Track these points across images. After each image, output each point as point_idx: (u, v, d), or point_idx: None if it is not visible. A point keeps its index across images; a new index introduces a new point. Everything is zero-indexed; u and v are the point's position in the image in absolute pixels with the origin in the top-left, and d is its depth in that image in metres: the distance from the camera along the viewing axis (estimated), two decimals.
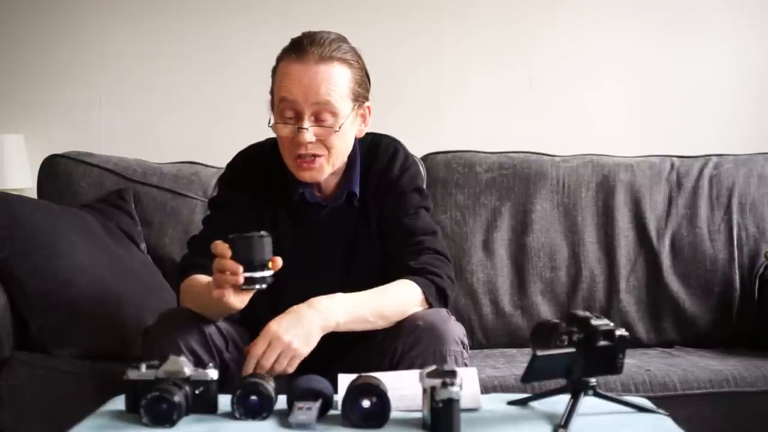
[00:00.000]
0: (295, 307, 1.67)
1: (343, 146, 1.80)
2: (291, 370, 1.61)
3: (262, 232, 1.55)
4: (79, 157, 2.60)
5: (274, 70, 1.80)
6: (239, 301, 1.60)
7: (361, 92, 1.80)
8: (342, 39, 1.79)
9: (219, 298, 1.56)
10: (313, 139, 1.75)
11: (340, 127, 1.75)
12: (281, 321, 1.64)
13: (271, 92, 1.81)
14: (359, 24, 3.03)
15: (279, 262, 1.56)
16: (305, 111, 1.73)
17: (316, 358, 1.65)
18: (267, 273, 1.55)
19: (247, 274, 1.54)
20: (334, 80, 1.74)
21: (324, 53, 1.73)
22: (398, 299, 1.74)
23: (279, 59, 1.80)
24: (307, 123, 1.74)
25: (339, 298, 1.69)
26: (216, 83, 3.18)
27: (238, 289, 1.56)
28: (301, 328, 1.63)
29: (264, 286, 1.56)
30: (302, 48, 1.74)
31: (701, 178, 2.62)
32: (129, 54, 3.19)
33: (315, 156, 1.76)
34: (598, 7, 3.18)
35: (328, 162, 1.79)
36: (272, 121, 1.78)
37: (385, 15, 3.16)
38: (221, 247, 1.55)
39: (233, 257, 1.54)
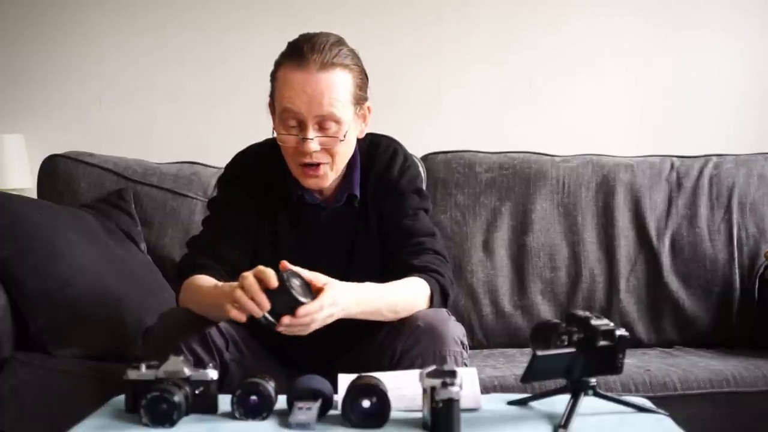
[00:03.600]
0: (344, 285, 1.62)
1: (346, 151, 1.80)
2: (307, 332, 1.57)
3: (304, 300, 1.52)
4: (79, 157, 2.60)
5: (274, 75, 1.78)
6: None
7: (362, 95, 1.79)
8: (341, 42, 1.77)
9: (234, 318, 1.53)
10: (318, 148, 1.74)
11: (344, 136, 1.75)
12: (347, 293, 1.60)
13: (271, 96, 1.79)
14: (359, 23, 3.04)
15: (286, 322, 1.53)
16: (309, 121, 1.72)
17: (317, 357, 1.65)
18: (274, 322, 1.53)
19: (266, 315, 1.52)
20: (337, 88, 1.72)
21: (325, 60, 1.71)
22: (409, 295, 1.73)
23: (278, 64, 1.77)
24: (311, 133, 1.72)
25: (357, 287, 1.65)
26: (216, 83, 3.18)
27: None
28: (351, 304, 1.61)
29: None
30: (302, 55, 1.71)
31: (701, 178, 2.62)
32: (129, 54, 3.19)
33: (320, 164, 1.76)
34: (599, 7, 3.17)
35: (332, 169, 1.78)
36: (275, 131, 1.76)
37: (384, 14, 3.16)
38: (272, 278, 1.51)
39: (268, 291, 1.51)
